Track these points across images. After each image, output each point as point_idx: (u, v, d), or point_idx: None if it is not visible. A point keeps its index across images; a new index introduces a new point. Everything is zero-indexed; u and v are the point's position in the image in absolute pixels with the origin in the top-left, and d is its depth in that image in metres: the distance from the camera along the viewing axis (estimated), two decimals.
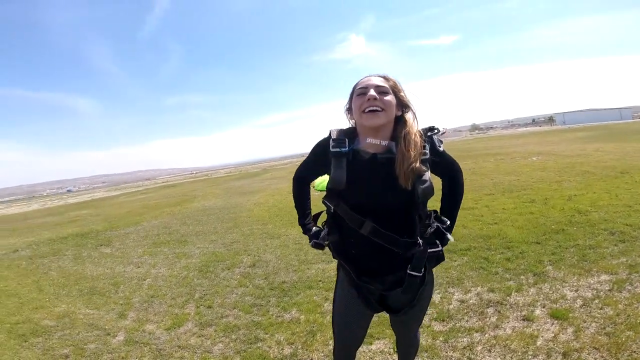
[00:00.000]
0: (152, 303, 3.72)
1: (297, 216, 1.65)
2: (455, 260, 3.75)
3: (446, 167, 1.46)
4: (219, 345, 2.73)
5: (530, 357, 2.15)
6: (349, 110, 1.42)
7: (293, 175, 1.63)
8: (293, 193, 1.66)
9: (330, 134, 1.41)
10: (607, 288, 2.80)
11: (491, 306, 2.77)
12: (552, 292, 2.86)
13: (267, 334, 2.80)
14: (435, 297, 3.01)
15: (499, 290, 2.99)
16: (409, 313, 1.46)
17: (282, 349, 2.57)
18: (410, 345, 1.73)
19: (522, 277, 3.18)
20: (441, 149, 1.38)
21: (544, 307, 2.66)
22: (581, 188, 6.45)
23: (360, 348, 2.41)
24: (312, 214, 1.67)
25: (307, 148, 1.51)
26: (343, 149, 1.35)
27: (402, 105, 1.38)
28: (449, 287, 3.18)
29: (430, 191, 1.33)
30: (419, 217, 1.41)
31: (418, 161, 1.29)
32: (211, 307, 3.42)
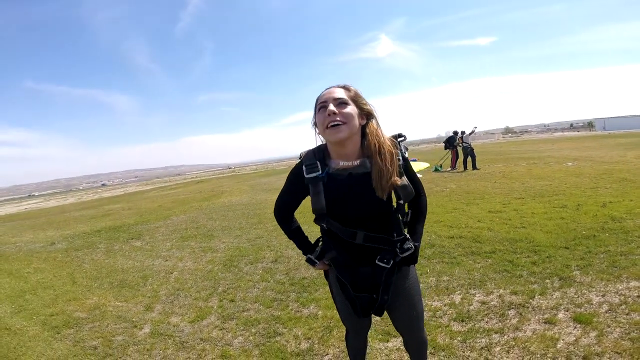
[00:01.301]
0: (178, 296, 3.87)
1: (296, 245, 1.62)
2: (478, 262, 3.70)
3: (412, 180, 1.46)
4: (239, 338, 2.82)
5: (549, 359, 2.11)
6: (315, 125, 1.42)
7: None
8: (282, 229, 1.61)
9: (301, 158, 1.44)
10: (635, 294, 2.69)
11: (513, 308, 2.73)
12: (578, 297, 2.78)
13: (285, 328, 2.87)
14: (456, 297, 3.01)
15: (522, 293, 2.94)
16: (397, 308, 1.53)
17: (299, 344, 2.63)
18: (417, 344, 1.70)
19: (547, 280, 3.11)
20: (406, 155, 1.45)
21: (567, 311, 2.59)
22: (617, 195, 6.14)
23: (377, 345, 2.46)
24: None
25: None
26: (317, 174, 1.37)
27: (365, 114, 1.39)
28: (470, 288, 3.15)
29: (411, 192, 1.40)
30: (401, 215, 1.48)
31: (395, 174, 1.34)
32: (233, 301, 3.53)
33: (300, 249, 1.59)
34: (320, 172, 1.37)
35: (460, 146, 13.77)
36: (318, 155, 1.42)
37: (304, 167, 1.40)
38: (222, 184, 23.07)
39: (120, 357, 2.74)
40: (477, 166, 12.89)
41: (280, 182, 17.69)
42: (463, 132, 13.87)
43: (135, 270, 5.08)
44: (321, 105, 1.35)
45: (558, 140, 31.60)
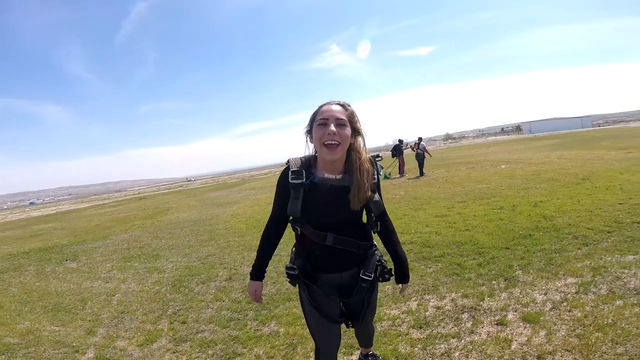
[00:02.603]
0: (123, 319, 3.56)
1: (255, 259, 1.70)
2: (430, 267, 3.83)
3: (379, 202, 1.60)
4: None
5: None
6: (309, 132, 1.53)
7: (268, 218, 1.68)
8: (262, 238, 1.69)
9: (289, 164, 1.54)
10: (573, 291, 2.92)
11: (466, 312, 2.82)
12: (523, 296, 2.94)
13: (245, 348, 2.74)
14: (412, 304, 3.06)
15: (472, 295, 3.06)
16: (366, 316, 1.70)
17: None
18: (369, 334, 2.05)
19: (493, 282, 3.28)
20: (381, 173, 1.66)
21: (515, 311, 2.72)
22: (546, 194, 6.77)
23: (341, 359, 2.41)
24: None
25: (287, 157, 1.60)
26: (302, 181, 1.48)
27: (355, 133, 1.51)
28: (424, 294, 3.23)
29: (381, 207, 1.60)
30: (371, 226, 1.64)
31: (369, 190, 1.49)
32: (186, 323, 3.31)
33: (253, 267, 1.70)
34: (304, 179, 1.48)
35: (414, 151, 14.37)
36: (305, 165, 1.52)
37: (290, 173, 1.50)
38: (168, 199, 21.86)
39: None
40: (424, 172, 13.51)
41: (232, 195, 17.20)
42: (420, 139, 14.60)
43: (71, 293, 4.63)
44: (322, 122, 1.44)
45: (491, 145, 34.26)
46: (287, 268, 1.62)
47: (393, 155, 15.66)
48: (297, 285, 1.65)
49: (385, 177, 14.73)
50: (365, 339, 2.09)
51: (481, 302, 2.93)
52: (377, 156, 1.59)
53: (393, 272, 1.68)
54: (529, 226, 4.81)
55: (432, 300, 3.09)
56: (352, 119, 1.49)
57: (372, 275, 1.59)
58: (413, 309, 2.98)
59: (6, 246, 9.89)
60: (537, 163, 12.25)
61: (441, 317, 2.80)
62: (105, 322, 3.53)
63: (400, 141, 15.68)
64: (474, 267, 3.68)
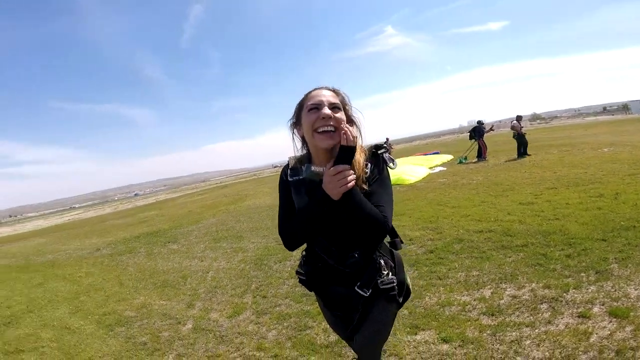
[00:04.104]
0: (216, 293, 4.08)
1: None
2: (509, 256, 3.65)
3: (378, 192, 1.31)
4: (273, 332, 2.97)
5: (580, 353, 2.10)
6: (295, 124, 1.37)
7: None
8: (293, 238, 1.40)
9: (288, 162, 1.42)
10: None
11: (545, 302, 2.69)
12: (615, 291, 2.70)
13: (315, 322, 2.99)
14: (486, 292, 3.00)
15: (555, 286, 2.89)
16: (362, 336, 1.45)
17: (328, 336, 2.74)
18: None
19: (582, 274, 3.03)
20: (393, 166, 1.34)
21: (602, 305, 2.53)
22: None
23: (404, 338, 2.51)
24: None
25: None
26: (299, 177, 1.35)
27: (349, 121, 1.33)
28: (501, 282, 3.13)
29: (378, 200, 1.29)
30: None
31: (361, 178, 1.26)
32: (266, 297, 3.69)
33: (312, 208, 1.29)
34: (301, 177, 1.35)
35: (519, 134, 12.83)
36: (302, 162, 1.39)
37: (288, 171, 1.40)
38: (245, 187, 23.54)
39: (167, 352, 2.94)
40: (528, 152, 12.29)
41: None
42: (520, 118, 13.25)
43: (174, 271, 5.36)
44: (313, 106, 1.26)
45: (591, 125, 30.01)
46: (296, 272, 1.52)
47: (471, 138, 14.59)
48: None
49: (460, 162, 13.92)
50: None
51: (564, 294, 2.76)
52: (380, 147, 1.34)
53: (402, 293, 1.44)
54: (633, 217, 4.23)
55: (508, 289, 2.99)
56: (344, 104, 1.32)
57: (368, 292, 1.34)
58: (486, 297, 2.92)
59: (121, 232, 11.69)
60: None
61: (516, 306, 2.71)
62: (202, 296, 4.06)
63: (480, 122, 14.44)
64: (561, 258, 3.41)
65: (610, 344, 2.12)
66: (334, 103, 1.27)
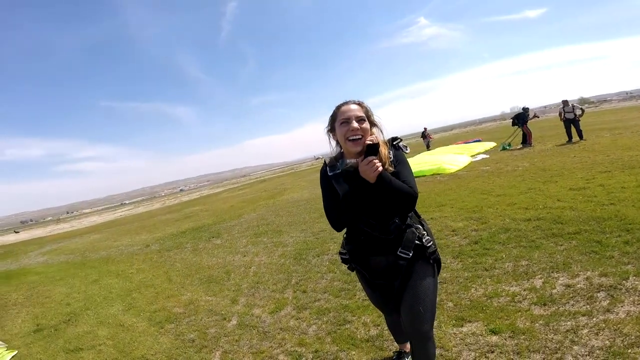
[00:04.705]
0: (258, 289, 4.17)
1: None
2: (560, 245, 3.46)
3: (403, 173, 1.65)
4: (313, 327, 2.99)
5: None
6: (331, 131, 1.76)
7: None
8: (342, 221, 1.73)
9: (325, 162, 1.78)
10: None
11: (603, 290, 2.54)
12: None
13: (354, 316, 2.98)
14: (537, 282, 2.87)
15: (613, 274, 2.71)
16: (405, 301, 1.66)
17: (368, 330, 2.73)
18: (423, 351, 1.69)
19: None
20: (407, 151, 1.73)
21: None
22: None
23: (450, 330, 2.45)
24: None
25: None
26: (337, 171, 1.70)
27: (372, 125, 1.71)
28: (552, 271, 2.97)
29: (404, 176, 1.65)
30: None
31: (387, 164, 1.61)
32: (305, 292, 3.73)
33: (354, 192, 1.65)
34: (339, 170, 1.69)
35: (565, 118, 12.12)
36: (337, 159, 1.74)
37: (327, 168, 1.75)
38: (284, 181, 23.94)
39: (214, 349, 3.03)
40: (584, 137, 11.61)
41: None
42: (566, 103, 12.43)
43: (219, 266, 5.54)
44: (344, 120, 1.65)
45: None
46: (339, 253, 1.86)
47: (514, 124, 13.96)
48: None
49: (504, 149, 13.27)
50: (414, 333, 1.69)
51: (624, 281, 2.58)
52: (395, 139, 1.73)
53: (438, 256, 1.72)
54: None
55: (561, 279, 2.83)
56: (368, 115, 1.70)
57: (410, 253, 1.64)
58: (537, 287, 2.79)
59: (169, 227, 12.27)
60: None
61: (571, 295, 2.57)
62: (245, 292, 4.16)
63: (525, 109, 13.79)
64: (618, 244, 3.18)
65: None
66: (360, 116, 1.66)
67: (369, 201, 1.64)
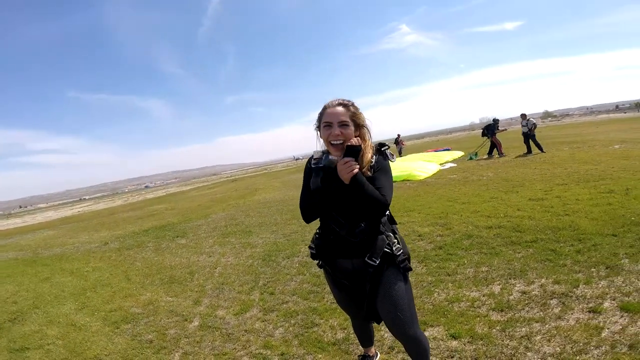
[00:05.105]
0: (223, 290, 4.08)
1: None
2: (519, 252, 3.63)
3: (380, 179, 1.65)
4: (280, 329, 2.96)
5: (592, 348, 2.09)
6: (319, 127, 1.73)
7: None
8: (309, 212, 1.77)
9: (313, 154, 1.80)
10: None
11: (555, 298, 2.68)
12: (626, 285, 2.68)
13: (322, 319, 2.98)
14: (495, 288, 2.99)
15: (565, 282, 2.88)
16: (381, 303, 1.69)
17: (335, 334, 2.74)
18: (414, 350, 1.76)
19: (592, 269, 3.01)
20: (393, 160, 1.72)
21: (614, 300, 2.52)
22: None
23: None
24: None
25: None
26: (319, 164, 1.72)
27: (359, 126, 1.70)
28: (510, 278, 3.12)
29: (380, 184, 1.64)
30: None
31: (366, 167, 1.63)
32: (273, 294, 3.68)
33: (326, 187, 1.70)
34: (321, 165, 1.70)
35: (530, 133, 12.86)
36: (323, 154, 1.76)
37: (312, 160, 1.78)
38: (256, 181, 23.65)
39: (173, 350, 2.93)
40: (543, 149, 12.31)
41: None
42: (524, 116, 13.24)
43: (182, 266, 5.38)
44: (327, 124, 1.66)
45: (603, 123, 29.66)
46: (309, 247, 1.86)
47: (483, 135, 14.52)
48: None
49: (471, 158, 13.80)
50: (415, 357, 1.81)
51: (574, 289, 2.75)
52: (383, 145, 1.73)
53: (408, 266, 1.72)
54: None
55: (517, 285, 2.98)
56: (354, 117, 1.68)
57: (377, 261, 1.65)
58: (496, 293, 2.91)
59: (130, 225, 11.77)
60: None
61: (526, 302, 2.70)
62: (209, 293, 4.06)
63: (496, 120, 14.41)
64: (571, 253, 3.39)
65: (623, 338, 2.11)
66: (343, 121, 1.65)
67: (341, 200, 1.65)
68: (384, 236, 1.68)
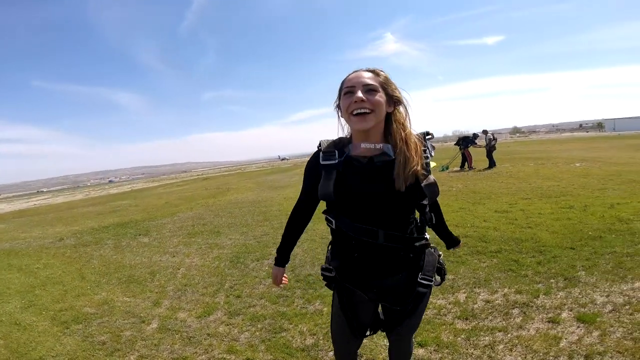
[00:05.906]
0: (185, 292, 3.91)
1: (280, 243, 1.56)
2: (484, 262, 3.75)
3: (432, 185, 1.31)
4: (246, 333, 2.86)
5: (551, 358, 2.15)
6: (339, 107, 1.31)
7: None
8: (287, 223, 1.54)
9: (320, 145, 1.36)
10: None
11: (517, 307, 2.77)
12: (582, 297, 2.82)
13: (291, 324, 2.91)
14: (461, 296, 3.05)
15: (526, 292, 2.98)
16: (403, 328, 1.44)
17: (304, 339, 2.68)
18: (404, 353, 1.63)
19: (552, 280, 3.15)
20: (433, 154, 1.33)
21: (571, 311, 2.64)
22: (625, 196, 6.13)
23: (381, 342, 2.48)
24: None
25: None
26: (333, 161, 1.28)
27: (394, 101, 1.27)
28: (475, 287, 3.20)
29: (436, 191, 1.30)
30: (422, 215, 1.35)
31: (420, 164, 1.23)
32: (240, 297, 3.57)
33: (277, 251, 1.57)
34: (337, 160, 1.28)
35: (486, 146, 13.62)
36: (338, 145, 1.33)
37: (321, 154, 1.33)
38: (228, 181, 23.15)
39: (128, 352, 2.77)
40: (492, 165, 13.08)
41: (286, 179, 17.78)
42: (485, 132, 14.00)
43: (143, 266, 5.13)
44: (348, 90, 1.24)
45: (566, 141, 31.47)
46: (322, 269, 1.42)
47: (457, 144, 14.87)
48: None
49: (443, 170, 14.16)
50: (401, 358, 1.67)
51: (535, 299, 2.85)
52: (428, 133, 1.33)
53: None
54: (600, 228, 4.43)
55: (482, 294, 3.05)
56: (386, 85, 1.25)
57: (433, 279, 1.34)
58: (461, 301, 2.97)
59: (89, 221, 11.14)
60: (619, 163, 11.03)
61: (490, 311, 2.77)
62: (170, 295, 3.88)
63: (475, 135, 14.86)
64: (532, 264, 3.54)
65: (579, 349, 2.19)
66: (370, 85, 1.22)
67: (383, 208, 1.26)
68: (432, 249, 1.37)
